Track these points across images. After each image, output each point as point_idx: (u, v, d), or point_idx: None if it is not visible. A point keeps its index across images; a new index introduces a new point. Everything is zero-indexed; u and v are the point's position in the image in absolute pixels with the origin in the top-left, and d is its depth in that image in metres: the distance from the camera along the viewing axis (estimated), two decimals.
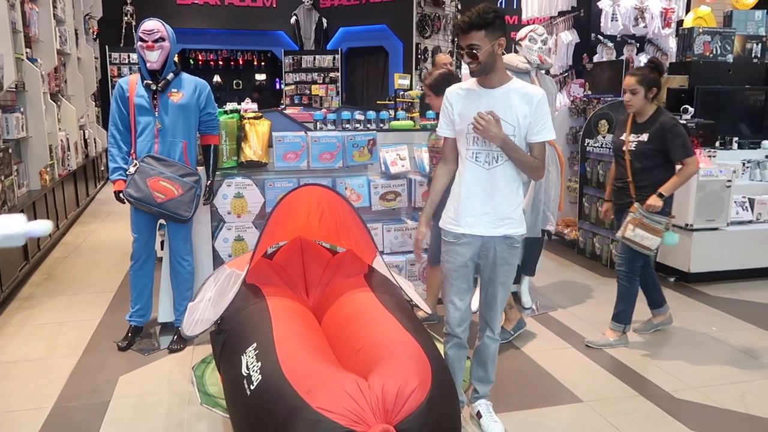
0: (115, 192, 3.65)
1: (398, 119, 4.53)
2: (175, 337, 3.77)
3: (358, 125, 4.39)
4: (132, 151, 3.61)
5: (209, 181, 3.78)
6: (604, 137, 5.71)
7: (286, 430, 2.10)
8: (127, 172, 3.56)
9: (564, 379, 3.35)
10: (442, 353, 2.63)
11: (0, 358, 3.62)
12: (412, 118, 4.61)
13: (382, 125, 4.49)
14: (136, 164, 3.54)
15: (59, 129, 6.71)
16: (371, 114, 4.44)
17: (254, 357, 2.47)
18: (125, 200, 3.56)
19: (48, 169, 6.01)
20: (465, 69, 10.70)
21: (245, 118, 4.04)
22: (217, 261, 4.02)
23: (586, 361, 3.58)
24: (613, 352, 3.70)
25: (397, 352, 2.44)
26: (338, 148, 4.14)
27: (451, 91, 2.70)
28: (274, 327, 2.64)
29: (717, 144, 5.36)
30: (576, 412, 3.01)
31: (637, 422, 2.92)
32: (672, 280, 5.09)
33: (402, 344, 2.48)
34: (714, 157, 5.20)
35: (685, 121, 5.08)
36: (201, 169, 3.81)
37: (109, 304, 4.52)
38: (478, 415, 2.86)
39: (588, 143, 5.78)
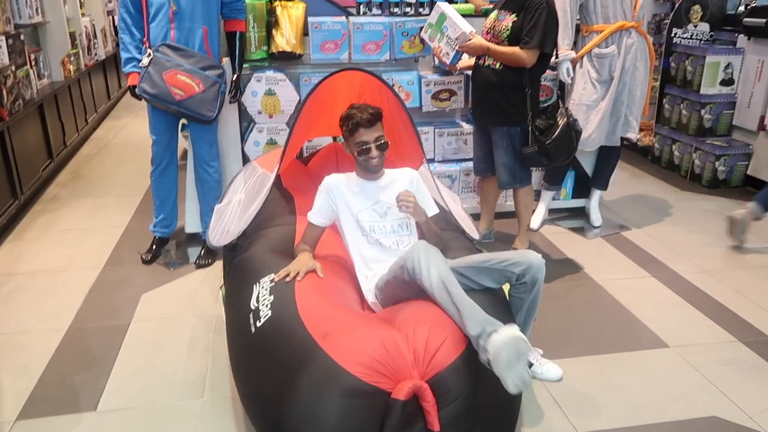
0: (129, 87, 3.17)
1: (456, 2, 3.82)
2: (203, 251, 3.42)
3: (408, 9, 3.73)
4: (145, 38, 3.09)
5: (235, 75, 3.26)
6: (695, 26, 4.87)
7: (291, 379, 1.72)
8: (141, 64, 3.06)
9: (644, 316, 2.87)
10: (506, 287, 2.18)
11: (18, 268, 3.35)
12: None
13: None
14: (150, 54, 3.03)
15: (82, 14, 6.19)
16: None
17: (267, 289, 2.06)
18: (140, 96, 3.09)
19: (72, 59, 5.56)
20: None
21: (276, 0, 3.42)
22: None
23: (670, 295, 3.08)
24: (702, 285, 3.17)
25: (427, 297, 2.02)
26: (385, 36, 3.52)
27: None
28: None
29: None
30: (660, 359, 2.55)
31: (737, 375, 2.44)
32: None
33: None
34: None
35: None
36: (226, 61, 3.28)
37: (137, 209, 4.20)
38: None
39: (675, 33, 4.95)
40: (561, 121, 3.04)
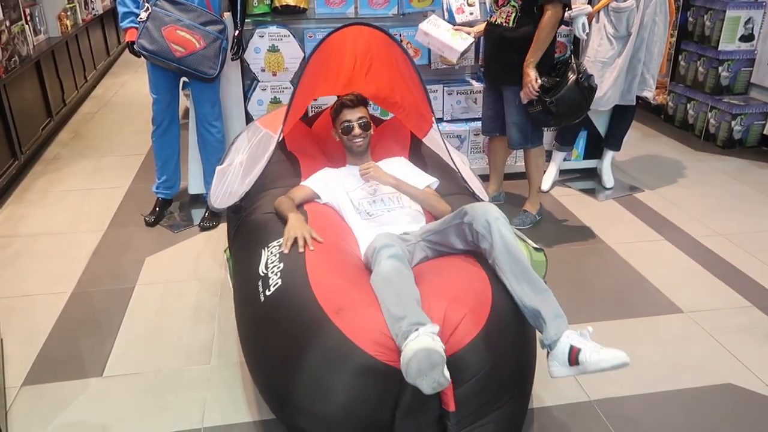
0: (128, 43, 3.06)
1: None
2: (207, 213, 3.36)
3: None
4: None
5: (237, 31, 3.13)
6: None
7: (301, 354, 1.68)
8: (139, 19, 2.94)
9: (658, 281, 2.81)
10: (526, 252, 2.12)
11: (20, 231, 3.30)
12: None
13: None
14: (147, 8, 2.91)
15: None
16: None
17: (277, 255, 2.00)
18: (139, 53, 2.98)
19: (68, 13, 5.39)
20: None
21: None
22: None
23: (684, 259, 3.02)
24: (717, 248, 3.10)
25: (446, 268, 1.96)
26: None
27: None
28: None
29: None
30: (674, 324, 2.51)
31: (752, 341, 2.40)
32: None
33: (453, 261, 2.00)
34: None
35: None
36: (227, 16, 3.15)
37: (139, 169, 4.12)
38: (573, 354, 1.75)
39: None
40: (570, 79, 2.90)
